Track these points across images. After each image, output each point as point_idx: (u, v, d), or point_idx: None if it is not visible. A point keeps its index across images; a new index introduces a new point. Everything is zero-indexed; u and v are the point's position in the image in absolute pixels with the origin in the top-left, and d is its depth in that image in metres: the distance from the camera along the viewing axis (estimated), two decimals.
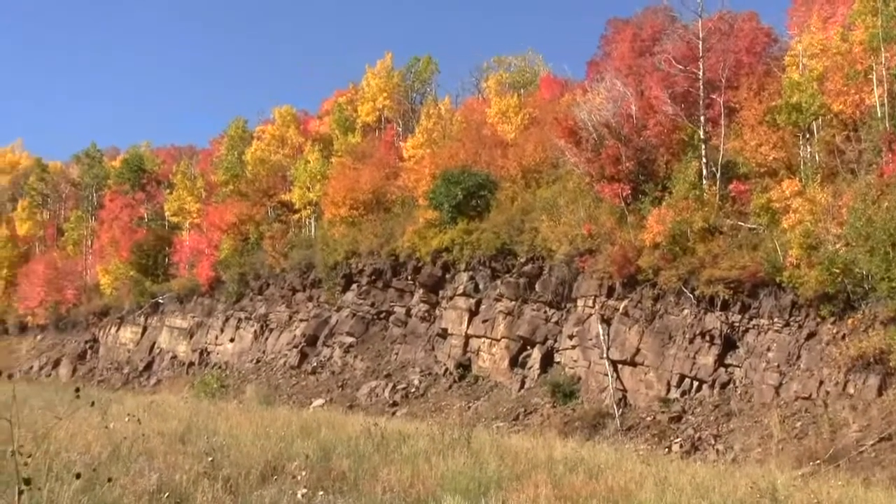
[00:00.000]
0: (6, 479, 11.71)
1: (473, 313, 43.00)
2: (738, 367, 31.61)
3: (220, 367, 56.71)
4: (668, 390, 32.87)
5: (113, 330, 71.33)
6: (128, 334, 69.76)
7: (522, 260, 41.69)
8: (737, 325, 32.06)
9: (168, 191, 74.25)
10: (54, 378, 69.29)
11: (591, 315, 37.07)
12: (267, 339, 55.43)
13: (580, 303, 38.02)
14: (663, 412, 31.85)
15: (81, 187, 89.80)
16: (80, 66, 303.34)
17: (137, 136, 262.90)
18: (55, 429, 16.28)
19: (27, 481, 7.05)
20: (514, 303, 40.89)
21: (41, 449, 13.69)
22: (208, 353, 59.88)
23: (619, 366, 34.87)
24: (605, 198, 37.62)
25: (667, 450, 28.94)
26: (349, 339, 48.93)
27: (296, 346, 51.66)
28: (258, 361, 53.89)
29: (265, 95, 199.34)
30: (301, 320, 53.83)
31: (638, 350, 34.39)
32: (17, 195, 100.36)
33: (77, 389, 8.92)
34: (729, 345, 32.19)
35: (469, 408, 38.55)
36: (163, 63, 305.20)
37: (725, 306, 32.25)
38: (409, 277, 48.46)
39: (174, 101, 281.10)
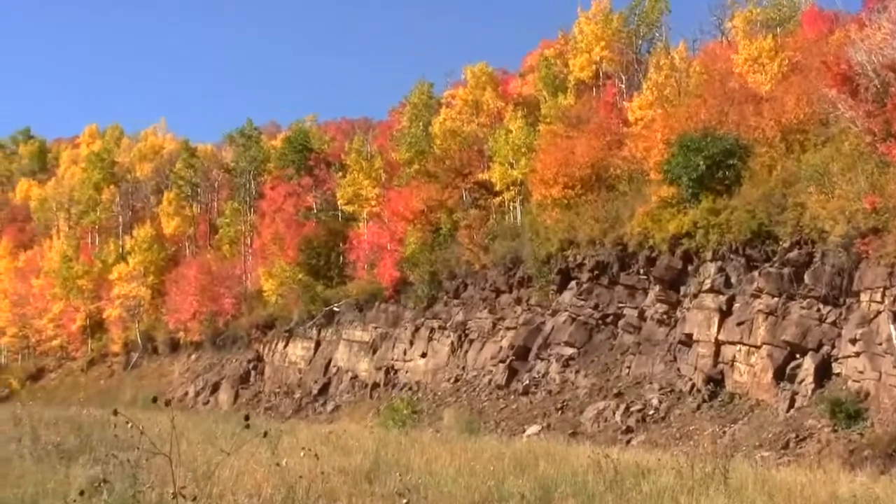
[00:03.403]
0: None
1: (725, 314, 43.25)
2: None
3: (410, 389, 59.06)
4: None
5: (280, 346, 74.89)
6: (298, 351, 73.05)
7: (786, 245, 41.65)
8: None
9: (340, 174, 77.08)
10: (213, 405, 73.37)
11: (879, 312, 36.64)
12: (466, 352, 57.40)
13: (864, 297, 37.66)
14: None
15: (236, 173, 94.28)
16: (228, 34, 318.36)
17: (301, 110, 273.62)
18: (219, 466, 17.26)
19: None
20: (776, 299, 41.00)
21: (204, 491, 14.78)
22: (395, 372, 62.33)
23: None
24: (894, 161, 37.34)
25: None
26: (568, 351, 50.14)
27: (502, 361, 53.28)
28: (457, 380, 55.94)
29: (454, 53, 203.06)
30: (508, 328, 55.45)
31: None
32: (162, 186, 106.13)
33: (247, 418, 10.31)
34: None
35: (724, 433, 38.91)
36: (329, 24, 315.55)
37: None
38: (642, 271, 49.19)
39: (343, 66, 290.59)
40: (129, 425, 9.99)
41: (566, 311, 51.94)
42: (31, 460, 23.04)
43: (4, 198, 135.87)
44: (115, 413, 9.71)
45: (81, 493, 11.67)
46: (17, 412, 39.68)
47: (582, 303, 51.29)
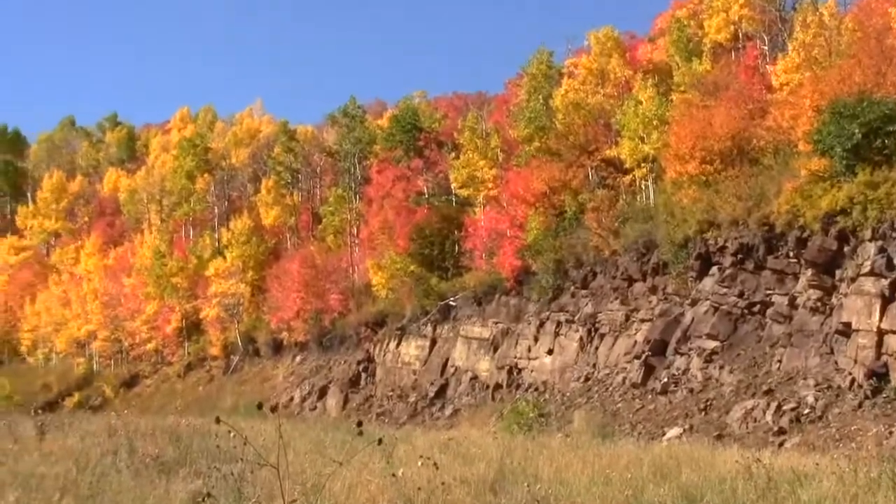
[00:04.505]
0: None
1: (888, 300, 42.63)
2: None
3: (535, 389, 59.47)
4: None
5: (392, 345, 76.00)
6: (412, 350, 74.06)
7: None
8: None
9: (453, 155, 77.78)
10: (321, 412, 74.77)
11: None
12: (597, 348, 57.54)
13: None
14: None
15: (340, 157, 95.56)
16: (327, 5, 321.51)
17: (409, 85, 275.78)
18: (330, 478, 17.47)
19: None
20: None
21: None
22: (519, 371, 62.73)
23: None
24: None
25: None
26: (711, 344, 49.95)
27: (637, 357, 53.29)
28: (587, 379, 56.13)
29: (575, 17, 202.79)
30: (642, 320, 55.48)
31: None
32: (260, 173, 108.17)
33: (359, 424, 10.46)
34: None
35: (890, 433, 38.44)
36: None
37: None
38: (791, 253, 48.76)
39: (454, 36, 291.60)
40: (232, 435, 10.25)
41: (707, 299, 51.68)
42: (128, 474, 23.55)
43: (92, 190, 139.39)
44: (218, 421, 9.95)
45: None
46: (111, 422, 40.64)
47: (725, 290, 50.99)
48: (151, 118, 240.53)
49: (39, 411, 54.61)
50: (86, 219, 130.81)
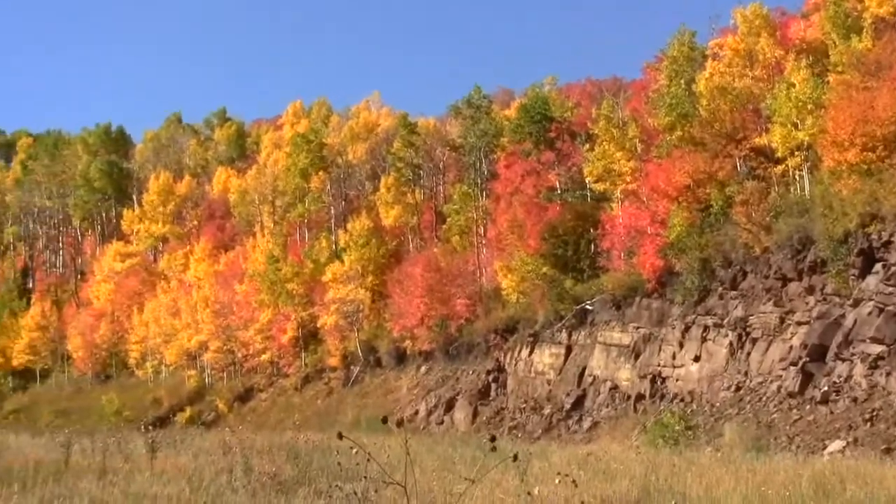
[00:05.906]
0: None
1: None
2: None
3: (681, 400, 59.36)
4: None
5: (524, 353, 76.22)
6: (545, 358, 74.25)
7: None
8: None
9: (587, 146, 77.65)
10: (448, 426, 75.35)
11: None
12: (749, 354, 57.11)
13: None
14: None
15: (465, 151, 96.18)
16: None
17: (537, 72, 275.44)
18: (462, 497, 17.90)
19: None
20: None
21: None
22: (663, 380, 62.66)
23: None
24: None
25: None
26: (877, 348, 49.25)
27: (794, 363, 52.80)
28: (738, 388, 55.81)
29: None
30: (798, 323, 54.94)
31: None
32: (379, 169, 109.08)
33: (492, 439, 10.36)
34: None
35: None
36: None
37: None
38: None
39: (586, 17, 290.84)
40: (354, 451, 10.30)
41: (871, 300, 50.98)
42: (244, 494, 23.93)
43: (200, 191, 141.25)
44: (340, 437, 10.06)
45: None
46: (226, 439, 41.50)
47: (891, 289, 50.24)
48: (262, 113, 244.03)
49: (150, 427, 55.72)
50: (195, 222, 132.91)
